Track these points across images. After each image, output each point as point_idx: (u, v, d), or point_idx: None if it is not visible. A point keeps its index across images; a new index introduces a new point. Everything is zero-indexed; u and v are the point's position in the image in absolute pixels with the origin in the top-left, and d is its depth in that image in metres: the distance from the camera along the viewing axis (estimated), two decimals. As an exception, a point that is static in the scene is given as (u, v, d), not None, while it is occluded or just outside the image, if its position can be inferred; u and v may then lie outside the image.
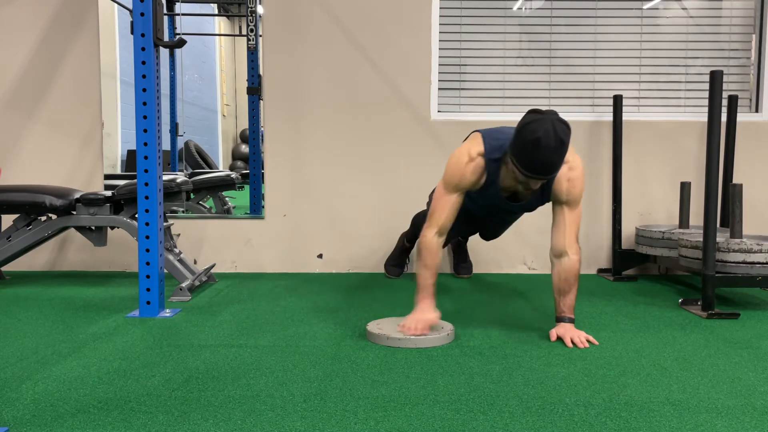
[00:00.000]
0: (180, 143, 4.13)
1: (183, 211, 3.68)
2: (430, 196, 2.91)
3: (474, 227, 2.93)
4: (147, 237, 2.47)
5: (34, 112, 3.48)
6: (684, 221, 3.25)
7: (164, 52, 3.89)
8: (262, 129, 3.54)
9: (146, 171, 2.43)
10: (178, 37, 2.86)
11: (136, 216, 2.60)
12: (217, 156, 4.50)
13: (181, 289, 2.77)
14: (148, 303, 2.49)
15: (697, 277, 3.03)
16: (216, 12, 4.58)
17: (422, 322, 2.18)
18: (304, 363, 1.92)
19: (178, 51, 4.02)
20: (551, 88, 3.61)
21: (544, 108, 2.11)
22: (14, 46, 3.45)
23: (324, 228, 3.52)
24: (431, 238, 2.28)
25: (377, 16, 3.45)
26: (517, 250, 3.53)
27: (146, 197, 2.45)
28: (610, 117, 3.47)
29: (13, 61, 3.46)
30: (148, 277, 2.49)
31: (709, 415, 1.55)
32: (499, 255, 3.52)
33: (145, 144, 2.42)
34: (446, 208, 2.29)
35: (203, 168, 4.25)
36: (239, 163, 4.45)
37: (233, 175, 4.04)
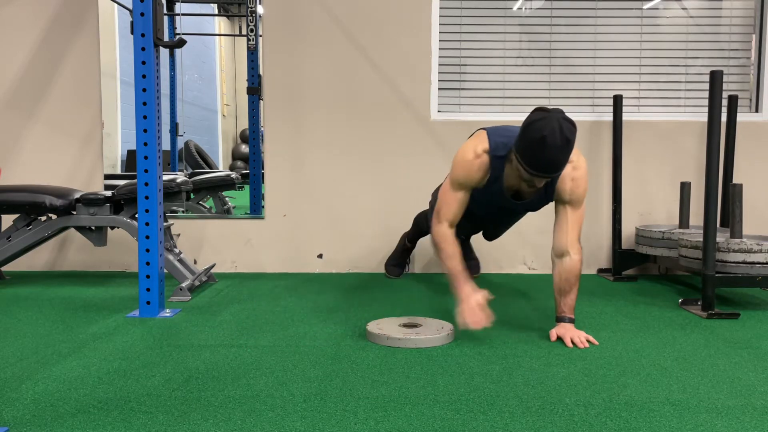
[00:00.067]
0: (180, 143, 4.13)
1: (183, 211, 3.68)
2: (433, 196, 2.91)
3: (477, 226, 2.93)
4: (147, 237, 2.47)
5: (34, 112, 3.49)
6: (684, 221, 3.25)
7: (164, 52, 3.89)
8: (262, 129, 3.54)
9: (146, 171, 2.43)
10: (178, 37, 2.86)
11: (136, 216, 2.60)
12: (217, 156, 4.50)
13: (181, 289, 2.77)
14: (148, 303, 2.49)
15: (697, 277, 3.02)
16: (216, 12, 4.58)
17: (476, 307, 2.13)
18: (304, 363, 1.92)
19: (178, 51, 4.02)
20: (551, 88, 3.61)
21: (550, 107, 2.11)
22: (14, 46, 3.45)
23: (324, 228, 3.52)
24: (444, 229, 2.29)
25: (377, 16, 3.45)
26: (517, 250, 3.53)
27: (146, 197, 2.45)
28: (610, 117, 3.47)
29: (13, 61, 3.46)
30: (148, 277, 2.49)
31: (709, 415, 1.55)
32: (499, 255, 3.52)
33: (145, 144, 2.42)
34: (454, 205, 2.29)
35: (203, 168, 4.25)
36: (239, 163, 4.45)
37: (233, 175, 4.04)
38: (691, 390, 1.71)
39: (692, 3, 3.61)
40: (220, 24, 4.65)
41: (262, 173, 3.54)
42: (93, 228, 3.02)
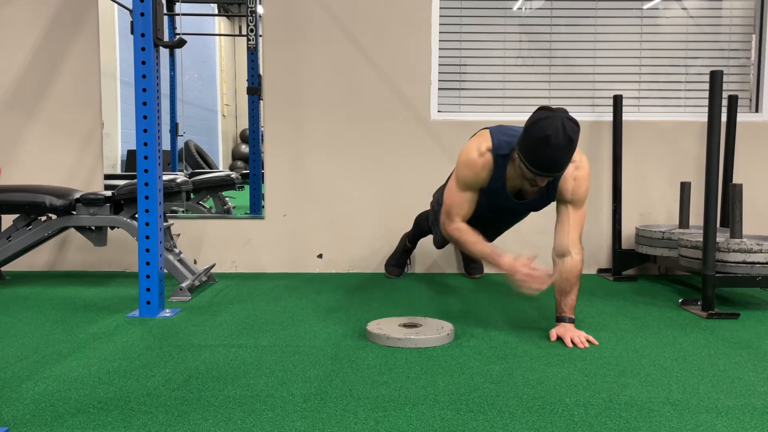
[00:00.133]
0: (180, 143, 4.13)
1: (183, 211, 3.68)
2: (434, 197, 2.91)
3: (478, 227, 2.93)
4: (147, 237, 2.47)
5: (34, 112, 3.48)
6: (684, 221, 3.25)
7: (164, 52, 3.89)
8: (262, 129, 3.54)
9: (146, 171, 2.43)
10: (178, 37, 2.86)
11: (136, 216, 2.60)
12: (217, 156, 4.50)
13: (181, 289, 2.77)
14: (148, 303, 2.49)
15: (697, 277, 3.02)
16: (216, 12, 4.58)
17: (529, 272, 2.12)
18: (304, 363, 1.92)
19: (178, 51, 4.02)
20: (551, 88, 3.61)
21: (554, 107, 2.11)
22: (14, 46, 3.45)
23: (324, 228, 3.52)
24: (458, 224, 2.31)
25: (377, 16, 3.45)
26: (517, 250, 3.49)
27: (146, 197, 2.45)
28: (610, 117, 3.47)
29: (13, 61, 3.46)
30: (148, 277, 2.49)
31: (709, 415, 1.55)
32: (499, 255, 3.51)
33: (145, 144, 2.42)
34: (465, 205, 2.31)
35: (203, 168, 4.25)
36: (239, 163, 4.45)
37: (233, 175, 4.04)
38: (691, 390, 1.71)
39: (692, 3, 3.61)
40: (220, 24, 4.65)
41: (262, 173, 3.54)
42: (93, 228, 3.02)
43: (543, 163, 2.04)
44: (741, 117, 3.42)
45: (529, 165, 2.06)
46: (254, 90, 3.72)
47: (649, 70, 3.61)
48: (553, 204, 2.32)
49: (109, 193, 2.98)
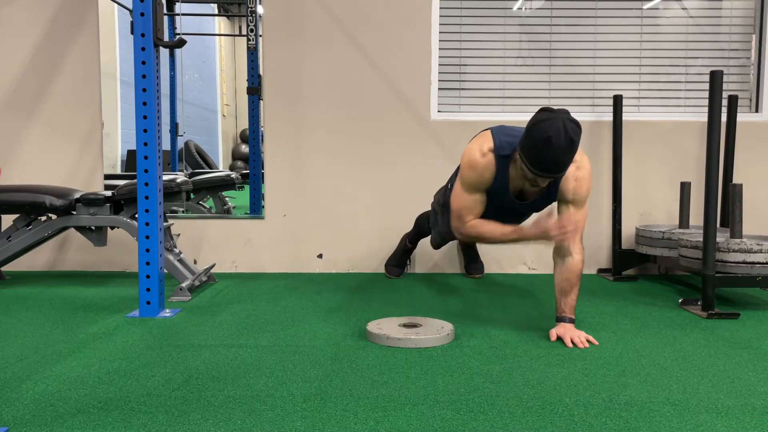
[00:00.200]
0: (180, 143, 4.13)
1: (183, 211, 3.68)
2: (435, 197, 2.91)
3: None
4: (147, 237, 2.47)
5: (34, 112, 3.48)
6: (684, 221, 3.25)
7: (164, 52, 3.89)
8: (262, 129, 3.54)
9: (146, 171, 2.43)
10: (178, 37, 2.86)
11: (136, 216, 2.60)
12: (217, 156, 4.50)
13: (181, 289, 2.77)
14: (148, 303, 2.49)
15: (697, 277, 3.02)
16: (216, 12, 4.58)
17: (552, 225, 2.13)
18: (304, 363, 1.92)
19: (178, 51, 4.02)
20: (551, 88, 3.61)
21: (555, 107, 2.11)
22: (14, 46, 3.45)
23: (324, 228, 3.52)
24: (471, 222, 2.30)
25: (377, 16, 3.45)
26: (517, 250, 3.52)
27: (146, 197, 2.45)
28: (610, 117, 3.47)
29: (13, 61, 3.46)
30: (148, 277, 2.49)
31: (709, 415, 1.55)
32: (499, 255, 3.52)
33: (145, 144, 2.42)
34: (472, 205, 2.30)
35: (203, 168, 4.25)
36: (239, 163, 4.45)
37: (233, 175, 4.04)
38: (691, 390, 1.71)
39: (692, 3, 3.61)
40: (220, 24, 4.65)
41: (262, 173, 3.54)
42: (93, 228, 3.02)
43: (544, 164, 2.04)
44: (741, 117, 3.42)
45: (531, 166, 2.06)
46: (254, 90, 3.72)
47: (649, 70, 3.61)
48: (554, 203, 2.33)
49: (109, 193, 2.98)
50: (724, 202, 3.31)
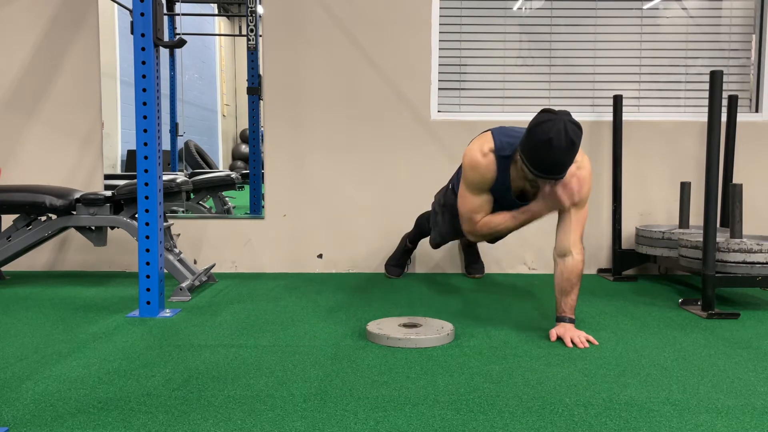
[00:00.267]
0: (180, 143, 4.13)
1: (183, 211, 3.68)
2: (435, 197, 2.91)
3: None
4: (147, 237, 2.47)
5: (34, 112, 3.48)
6: (684, 221, 3.25)
7: (164, 52, 3.89)
8: (262, 129, 3.54)
9: (146, 171, 2.43)
10: (178, 37, 2.86)
11: (136, 216, 2.60)
12: (217, 156, 4.50)
13: (181, 289, 2.77)
14: (148, 303, 2.49)
15: (697, 277, 3.02)
16: (216, 12, 4.58)
17: (555, 194, 2.18)
18: (304, 363, 1.92)
19: (178, 51, 4.02)
20: (551, 88, 3.61)
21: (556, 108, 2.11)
22: (14, 46, 3.45)
23: (324, 228, 3.52)
24: (479, 219, 2.32)
25: (377, 16, 3.45)
26: (517, 250, 3.53)
27: (146, 197, 2.45)
28: (610, 117, 3.47)
29: (13, 61, 3.46)
30: (148, 277, 2.49)
31: (709, 415, 1.55)
32: (499, 255, 3.52)
33: (145, 144, 2.42)
34: (479, 206, 2.32)
35: (203, 168, 4.25)
36: (239, 163, 4.45)
37: (233, 175, 4.04)
38: (691, 390, 1.71)
39: (692, 3, 3.61)
40: (220, 24, 4.65)
41: (262, 173, 3.54)
42: (93, 228, 3.02)
43: (545, 166, 2.05)
44: (741, 117, 3.42)
45: (532, 167, 2.07)
46: (254, 90, 3.72)
47: (649, 70, 3.61)
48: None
49: (109, 193, 2.98)
50: (724, 202, 3.31)
